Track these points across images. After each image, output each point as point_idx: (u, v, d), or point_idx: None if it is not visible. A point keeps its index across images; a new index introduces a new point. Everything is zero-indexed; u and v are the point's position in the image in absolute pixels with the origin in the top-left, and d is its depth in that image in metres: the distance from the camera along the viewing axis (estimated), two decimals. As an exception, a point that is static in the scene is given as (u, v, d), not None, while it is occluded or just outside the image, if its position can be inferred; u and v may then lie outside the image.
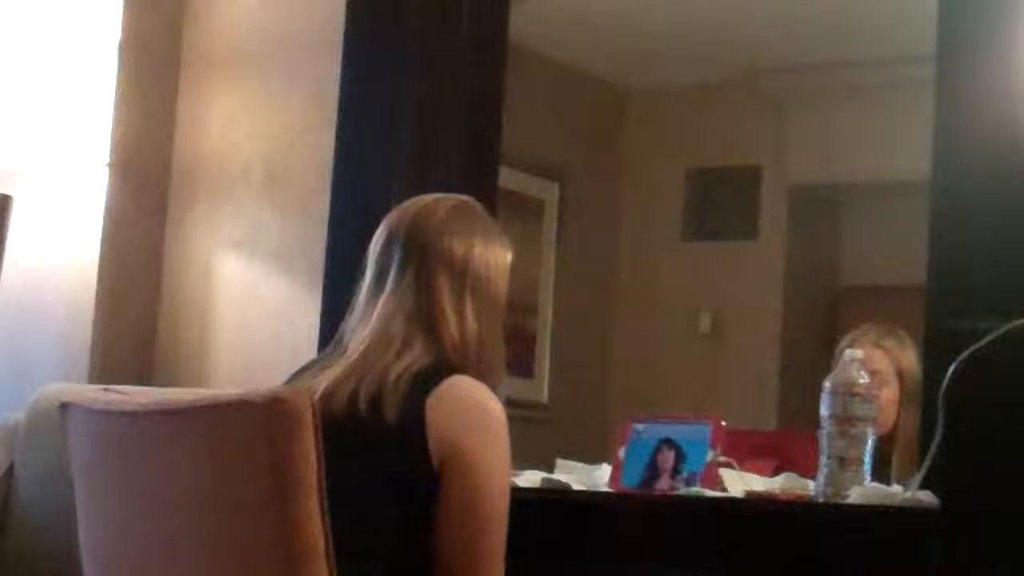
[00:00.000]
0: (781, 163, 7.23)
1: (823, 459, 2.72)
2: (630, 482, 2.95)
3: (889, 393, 3.72)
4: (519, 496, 2.58)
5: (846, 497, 2.67)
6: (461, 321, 2.59)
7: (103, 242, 4.06)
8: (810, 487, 2.82)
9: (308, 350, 3.61)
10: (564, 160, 7.21)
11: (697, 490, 2.86)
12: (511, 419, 2.55)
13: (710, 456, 2.89)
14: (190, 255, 4.15)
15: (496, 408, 2.53)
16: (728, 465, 2.91)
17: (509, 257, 2.69)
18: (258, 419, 2.23)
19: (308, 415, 2.22)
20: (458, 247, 2.62)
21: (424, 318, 2.58)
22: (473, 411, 2.51)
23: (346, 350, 2.61)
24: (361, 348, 2.57)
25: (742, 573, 2.72)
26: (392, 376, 2.50)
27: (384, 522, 2.48)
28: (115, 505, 2.42)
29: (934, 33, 2.93)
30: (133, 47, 4.12)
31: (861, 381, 2.73)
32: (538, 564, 2.72)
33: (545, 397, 7.07)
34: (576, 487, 2.99)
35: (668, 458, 2.93)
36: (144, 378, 4.07)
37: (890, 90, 6.47)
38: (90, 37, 4.08)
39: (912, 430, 3.62)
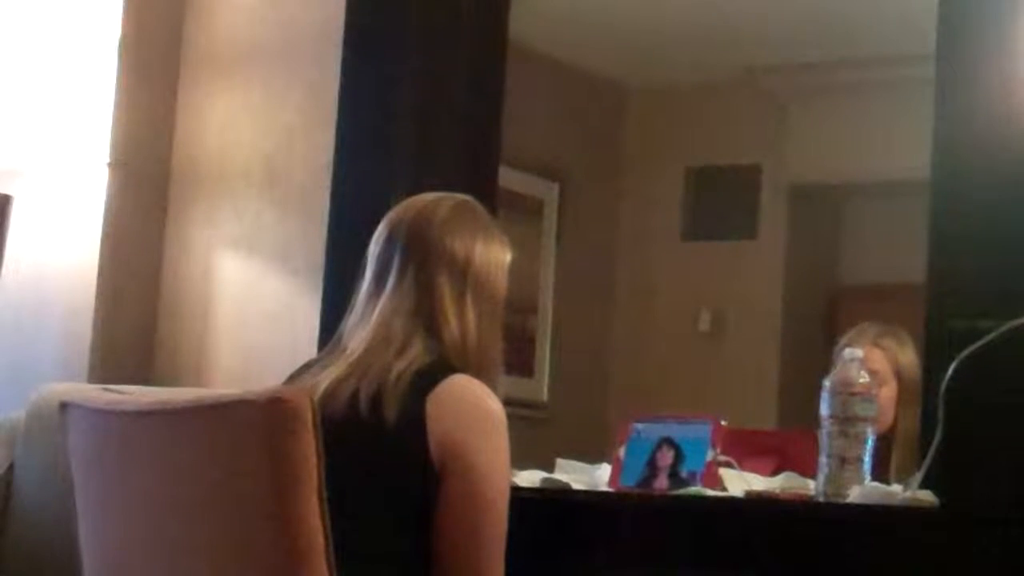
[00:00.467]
0: (781, 162, 7.23)
1: (823, 458, 2.72)
2: (630, 481, 2.95)
3: (887, 392, 3.72)
4: (519, 495, 2.58)
5: (846, 496, 2.67)
6: (461, 321, 2.59)
7: (103, 242, 4.06)
8: (810, 486, 2.82)
9: (308, 350, 3.61)
10: (564, 160, 7.21)
11: (697, 490, 2.86)
12: (511, 418, 2.55)
13: (710, 455, 2.89)
14: (190, 255, 4.15)
15: (496, 407, 2.53)
16: (728, 464, 2.91)
17: (509, 257, 2.69)
18: (258, 419, 2.23)
19: (308, 415, 2.22)
20: (459, 247, 2.62)
21: (424, 318, 2.58)
22: (473, 410, 2.51)
23: (346, 349, 2.61)
24: (361, 347, 2.57)
25: (742, 573, 2.71)
26: (392, 375, 2.50)
27: (384, 521, 2.48)
28: (115, 505, 2.42)
29: (934, 32, 2.93)
30: (133, 46, 4.12)
31: (861, 380, 2.73)
32: (538, 563, 2.72)
33: (545, 396, 7.07)
34: (576, 486, 2.99)
35: (666, 456, 2.93)
36: (144, 378, 4.06)
37: (890, 89, 6.46)
38: (90, 36, 4.08)
39: (910, 429, 3.62)
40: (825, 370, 2.84)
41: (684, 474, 2.90)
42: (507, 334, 2.68)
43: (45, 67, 4.09)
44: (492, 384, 2.57)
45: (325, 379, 2.55)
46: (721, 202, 7.46)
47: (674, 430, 2.96)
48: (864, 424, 2.71)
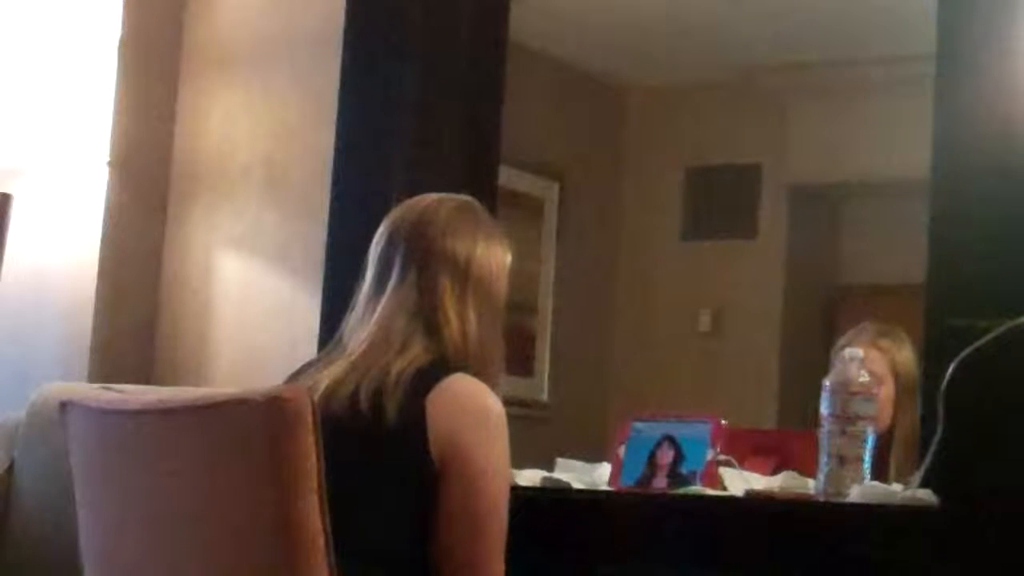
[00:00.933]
0: (781, 162, 7.24)
1: (823, 457, 2.72)
2: (630, 480, 2.95)
3: (885, 392, 3.71)
4: (519, 494, 2.58)
5: (846, 496, 2.67)
6: (462, 322, 2.59)
7: (103, 241, 4.06)
8: (810, 486, 2.82)
9: (308, 349, 3.62)
10: (564, 159, 7.21)
11: (697, 489, 2.86)
12: (511, 418, 2.55)
13: (710, 455, 2.89)
14: (190, 254, 4.15)
15: (496, 406, 2.54)
16: (728, 464, 2.92)
17: (509, 258, 2.70)
18: (258, 418, 2.23)
19: (308, 414, 2.22)
20: (460, 248, 2.62)
21: (425, 318, 2.59)
22: (473, 409, 2.52)
23: (346, 349, 2.61)
24: (362, 348, 2.57)
25: (742, 572, 2.72)
26: (393, 374, 2.51)
27: (384, 520, 2.48)
28: (115, 503, 2.42)
29: (934, 32, 2.93)
30: (133, 46, 4.12)
31: (861, 380, 2.73)
32: (538, 563, 2.72)
33: (545, 396, 7.07)
34: (576, 486, 2.99)
35: (667, 455, 2.93)
36: (144, 377, 4.06)
37: (890, 89, 6.47)
38: (90, 35, 4.08)
39: (909, 429, 3.63)
40: (825, 369, 2.84)
41: (684, 473, 2.90)
42: (507, 334, 2.69)
43: (45, 67, 4.08)
44: (492, 384, 2.57)
45: (325, 379, 2.55)
46: (721, 202, 7.47)
47: (674, 429, 2.96)
48: (864, 423, 2.71)
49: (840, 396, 2.71)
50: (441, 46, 3.87)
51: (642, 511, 2.88)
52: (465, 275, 2.62)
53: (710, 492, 2.85)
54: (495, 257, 2.66)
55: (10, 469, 3.60)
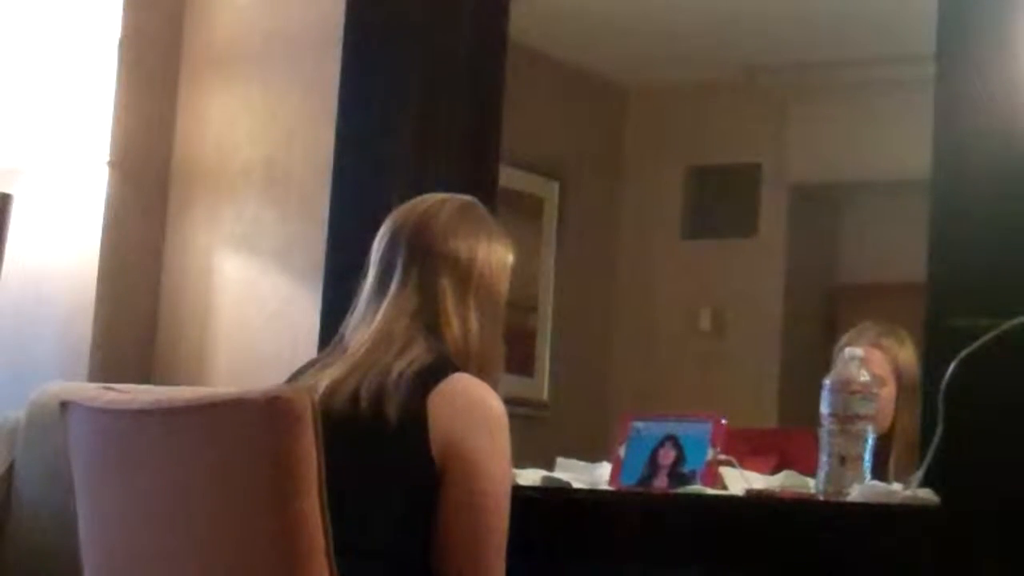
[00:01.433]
0: (781, 161, 7.23)
1: (823, 457, 2.72)
2: (630, 480, 2.95)
3: (887, 392, 3.71)
4: (519, 494, 2.58)
5: (847, 495, 2.67)
6: (464, 323, 2.60)
7: (103, 242, 4.06)
8: (810, 485, 2.82)
9: (308, 349, 3.61)
10: (564, 159, 7.21)
11: (697, 488, 2.86)
12: (511, 417, 2.56)
13: (710, 454, 2.89)
14: (190, 254, 4.15)
15: (497, 406, 2.54)
16: (728, 463, 2.92)
17: (511, 258, 2.70)
18: (258, 418, 2.23)
19: (308, 413, 2.22)
20: (462, 250, 2.63)
21: (427, 319, 2.59)
22: (474, 409, 2.52)
23: (348, 349, 2.61)
24: (363, 348, 2.58)
25: (742, 572, 2.72)
26: (394, 374, 2.51)
27: (385, 520, 2.48)
28: (115, 504, 2.42)
29: (934, 31, 2.93)
30: (133, 46, 4.12)
31: (861, 379, 2.73)
32: (538, 562, 2.72)
33: (545, 395, 7.06)
34: (576, 485, 2.99)
35: (669, 455, 2.93)
36: (144, 377, 4.07)
37: (890, 88, 6.46)
38: (90, 36, 4.08)
39: (910, 429, 3.62)
40: (825, 369, 2.84)
41: (685, 473, 2.90)
42: (507, 333, 2.69)
43: (45, 67, 4.08)
44: (494, 384, 2.57)
45: (326, 378, 2.55)
46: (721, 201, 7.46)
47: (674, 429, 2.96)
48: (864, 422, 2.71)
49: (840, 395, 2.71)
50: (441, 46, 3.87)
51: (642, 511, 2.88)
52: (467, 276, 2.62)
53: (710, 492, 2.85)
54: (497, 258, 2.66)
55: (10, 469, 3.60)
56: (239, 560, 2.26)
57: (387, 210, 2.74)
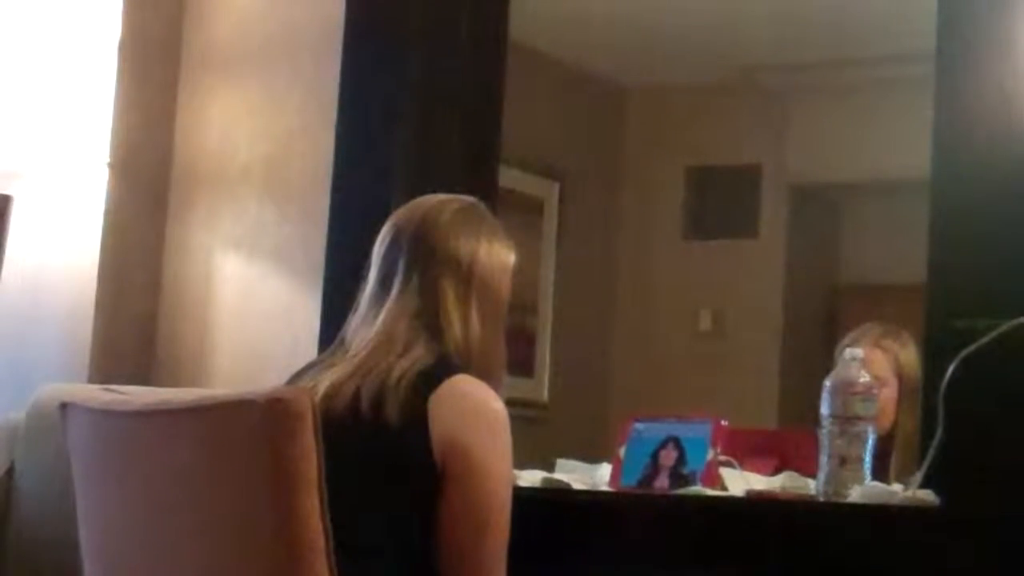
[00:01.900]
0: (781, 162, 7.23)
1: (824, 458, 2.72)
2: (630, 481, 2.95)
3: (888, 393, 3.71)
4: (520, 495, 2.58)
5: (847, 496, 2.67)
6: (465, 324, 2.60)
7: (103, 242, 4.06)
8: (811, 486, 2.82)
9: (308, 350, 3.62)
10: (564, 159, 7.20)
11: (697, 489, 2.86)
12: (511, 419, 2.55)
13: (711, 455, 2.89)
14: (190, 255, 4.15)
15: (498, 407, 2.54)
16: (729, 464, 2.91)
17: (512, 259, 2.70)
18: (258, 419, 2.23)
19: (308, 414, 2.22)
20: (464, 251, 2.63)
21: (428, 320, 2.59)
22: (475, 410, 2.51)
23: (349, 350, 2.61)
24: (364, 349, 2.58)
25: (742, 572, 2.71)
26: (394, 376, 2.51)
27: (385, 521, 2.48)
28: (115, 505, 2.42)
29: (934, 32, 2.93)
30: (133, 47, 4.12)
31: (862, 380, 2.73)
32: (539, 563, 2.72)
33: (545, 396, 7.06)
34: (577, 486, 2.99)
35: (671, 455, 2.93)
36: (144, 378, 4.06)
37: (890, 89, 6.46)
38: (90, 37, 4.08)
39: (911, 430, 3.62)
40: (825, 369, 2.84)
41: (685, 473, 2.90)
42: (507, 334, 2.69)
43: (45, 68, 4.08)
44: (495, 386, 2.57)
45: (327, 379, 2.55)
46: (721, 201, 7.46)
47: (675, 429, 2.96)
48: (865, 423, 2.71)
49: (841, 396, 2.71)
50: (441, 46, 3.87)
51: (642, 511, 2.88)
52: (468, 277, 2.62)
53: (710, 492, 2.85)
54: (498, 259, 2.66)
55: (10, 470, 3.60)
56: (239, 561, 2.26)
57: (387, 210, 2.74)
